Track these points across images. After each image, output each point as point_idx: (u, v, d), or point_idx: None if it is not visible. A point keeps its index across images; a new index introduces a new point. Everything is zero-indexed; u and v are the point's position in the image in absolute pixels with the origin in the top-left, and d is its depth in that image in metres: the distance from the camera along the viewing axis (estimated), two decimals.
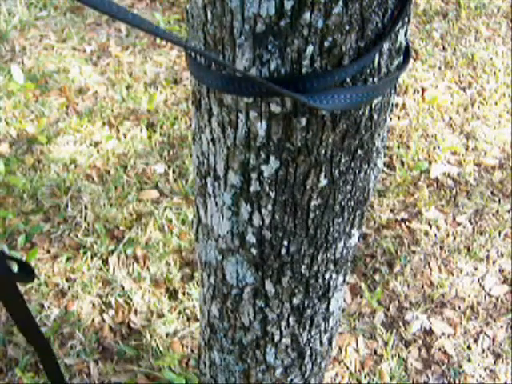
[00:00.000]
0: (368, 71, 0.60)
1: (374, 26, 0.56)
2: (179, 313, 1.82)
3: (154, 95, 2.54)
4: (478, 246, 2.06)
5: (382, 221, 2.11)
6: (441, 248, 2.05)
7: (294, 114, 0.61)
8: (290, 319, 0.90)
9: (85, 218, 2.05)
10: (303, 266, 0.81)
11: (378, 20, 0.56)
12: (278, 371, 1.02)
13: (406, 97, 2.61)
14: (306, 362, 1.03)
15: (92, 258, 1.94)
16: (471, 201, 2.21)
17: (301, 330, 0.93)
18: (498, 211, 2.17)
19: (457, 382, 1.73)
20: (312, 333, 0.96)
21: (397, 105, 2.56)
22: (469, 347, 1.80)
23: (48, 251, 1.96)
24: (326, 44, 0.55)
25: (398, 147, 2.38)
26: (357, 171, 0.74)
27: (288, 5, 0.52)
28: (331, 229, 0.78)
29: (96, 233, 2.01)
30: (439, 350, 1.79)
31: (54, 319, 1.79)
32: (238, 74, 0.58)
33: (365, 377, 1.72)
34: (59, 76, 2.65)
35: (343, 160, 0.69)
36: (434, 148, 2.40)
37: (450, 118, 2.55)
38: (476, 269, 2.00)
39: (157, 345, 1.73)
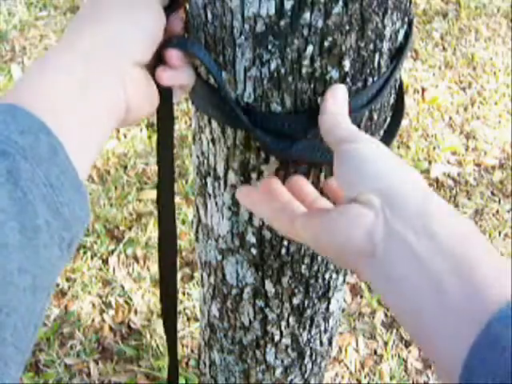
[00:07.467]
0: (368, 71, 0.60)
1: (374, 25, 0.56)
2: (179, 313, 1.82)
3: None
4: None
5: None
6: None
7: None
8: (290, 319, 0.90)
9: None
10: (303, 266, 0.81)
11: (378, 20, 0.56)
12: (278, 371, 1.02)
13: (406, 97, 2.61)
14: (306, 361, 1.03)
15: (92, 257, 1.94)
16: (471, 201, 2.21)
17: (301, 330, 0.93)
18: (498, 211, 2.17)
19: None
20: (312, 333, 0.96)
21: None
22: None
23: None
24: (326, 44, 0.55)
25: (398, 147, 2.38)
26: None
27: (288, 5, 0.52)
28: None
29: (96, 233, 2.01)
30: None
31: (54, 319, 1.79)
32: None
33: (365, 377, 1.72)
34: None
35: None
36: (434, 148, 2.40)
37: (450, 118, 2.55)
38: None
39: (157, 345, 1.73)
